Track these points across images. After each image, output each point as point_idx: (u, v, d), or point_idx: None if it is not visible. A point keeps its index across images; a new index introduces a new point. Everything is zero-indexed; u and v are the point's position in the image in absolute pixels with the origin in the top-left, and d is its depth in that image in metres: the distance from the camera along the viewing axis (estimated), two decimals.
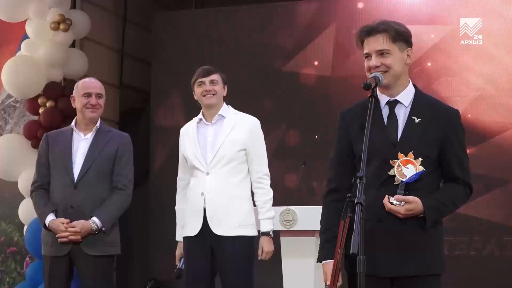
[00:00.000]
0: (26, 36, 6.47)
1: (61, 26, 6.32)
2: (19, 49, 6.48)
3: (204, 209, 4.13)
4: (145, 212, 7.61)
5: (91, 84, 4.43)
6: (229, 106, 4.30)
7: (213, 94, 4.19)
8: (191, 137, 4.25)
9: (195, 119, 4.30)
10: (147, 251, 7.27)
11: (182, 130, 4.36)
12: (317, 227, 4.22)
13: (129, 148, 4.42)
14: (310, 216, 4.44)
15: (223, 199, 4.13)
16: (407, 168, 2.86)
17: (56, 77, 6.41)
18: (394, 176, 2.87)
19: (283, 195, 6.79)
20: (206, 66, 4.34)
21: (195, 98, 4.28)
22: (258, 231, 4.22)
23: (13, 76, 6.19)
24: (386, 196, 2.85)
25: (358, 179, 2.66)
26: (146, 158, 7.58)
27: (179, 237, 4.31)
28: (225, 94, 4.28)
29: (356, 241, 2.55)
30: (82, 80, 4.51)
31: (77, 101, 4.39)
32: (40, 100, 6.33)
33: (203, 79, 4.22)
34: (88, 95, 4.36)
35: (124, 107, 7.81)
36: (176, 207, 4.38)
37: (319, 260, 3.06)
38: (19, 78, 6.18)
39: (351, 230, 2.65)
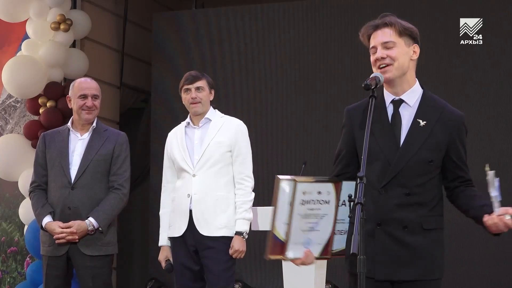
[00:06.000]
0: (26, 36, 6.47)
1: (62, 26, 6.32)
2: (20, 49, 6.48)
3: (190, 211, 4.17)
4: (145, 212, 7.61)
5: (87, 85, 4.38)
6: (216, 109, 4.37)
7: (199, 102, 4.27)
8: (179, 140, 4.30)
9: (183, 123, 4.37)
10: (147, 251, 7.27)
11: (170, 134, 4.43)
12: None
13: (126, 147, 4.40)
14: None
15: (209, 200, 4.18)
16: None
17: (56, 77, 6.41)
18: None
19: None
20: (193, 71, 4.41)
21: (183, 102, 4.34)
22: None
23: (13, 76, 6.19)
24: (507, 217, 2.74)
25: (358, 179, 2.62)
26: (146, 158, 7.58)
27: (162, 242, 4.33)
28: (211, 98, 4.35)
29: (356, 241, 2.53)
30: (78, 81, 4.46)
31: (73, 102, 4.36)
32: (40, 100, 6.32)
33: (189, 86, 4.29)
34: (84, 96, 4.33)
35: (124, 107, 7.81)
36: (160, 212, 4.39)
37: None
38: (20, 78, 6.18)
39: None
